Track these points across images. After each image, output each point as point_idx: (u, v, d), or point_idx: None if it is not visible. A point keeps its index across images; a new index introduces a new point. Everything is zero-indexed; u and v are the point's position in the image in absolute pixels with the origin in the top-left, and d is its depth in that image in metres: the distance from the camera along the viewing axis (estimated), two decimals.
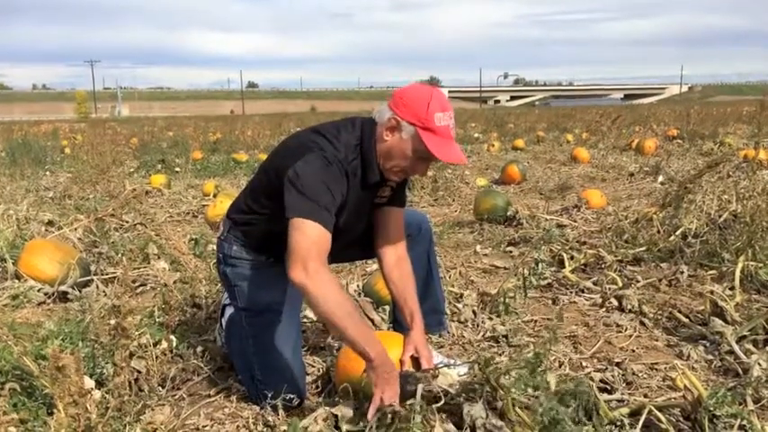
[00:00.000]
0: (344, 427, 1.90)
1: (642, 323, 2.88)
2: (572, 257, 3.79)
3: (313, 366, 2.47)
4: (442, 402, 1.86)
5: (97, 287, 3.47)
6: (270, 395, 2.10)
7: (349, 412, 1.92)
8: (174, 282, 3.36)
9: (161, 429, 2.02)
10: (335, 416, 1.93)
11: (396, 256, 2.30)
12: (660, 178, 7.27)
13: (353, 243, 2.32)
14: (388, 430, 1.79)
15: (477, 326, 2.89)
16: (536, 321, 2.97)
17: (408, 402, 1.87)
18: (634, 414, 1.94)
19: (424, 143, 1.95)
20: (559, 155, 10.76)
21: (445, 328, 2.78)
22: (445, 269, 3.77)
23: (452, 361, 2.36)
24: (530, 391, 1.83)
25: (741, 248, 3.38)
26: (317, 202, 1.91)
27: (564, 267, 3.64)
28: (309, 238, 1.87)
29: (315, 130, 2.15)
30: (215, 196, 6.56)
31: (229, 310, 2.50)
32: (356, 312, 1.97)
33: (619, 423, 1.93)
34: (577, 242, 4.24)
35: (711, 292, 2.89)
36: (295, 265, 1.85)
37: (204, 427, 2.08)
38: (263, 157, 9.39)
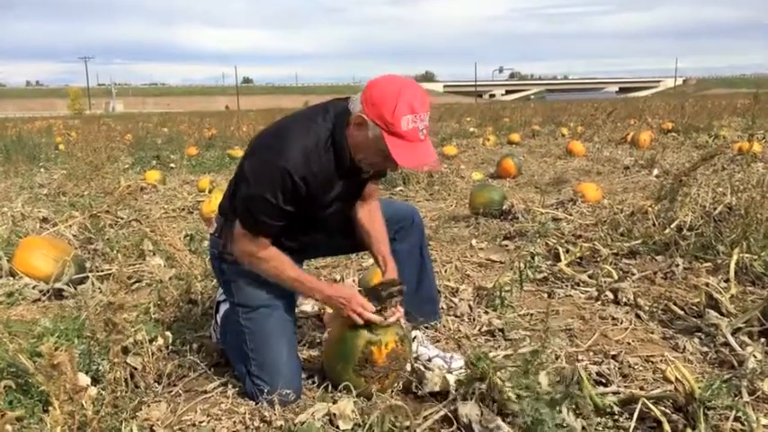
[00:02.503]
0: (342, 425, 1.91)
1: (638, 316, 2.89)
2: (567, 251, 3.80)
3: (309, 362, 2.47)
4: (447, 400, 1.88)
5: (92, 284, 3.46)
6: (266, 391, 2.10)
7: (347, 410, 1.92)
8: (170, 278, 3.35)
9: (157, 425, 2.02)
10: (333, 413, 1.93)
11: (368, 208, 2.36)
12: (655, 171, 7.28)
13: (341, 230, 2.35)
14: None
15: (473, 320, 2.89)
16: (532, 315, 2.98)
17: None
18: (626, 404, 1.95)
19: (388, 148, 1.90)
20: (555, 148, 10.76)
21: (438, 318, 2.78)
22: (441, 263, 3.77)
23: (449, 355, 2.37)
24: (523, 389, 1.84)
25: (736, 241, 3.39)
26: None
27: (559, 261, 3.64)
28: None
29: (278, 134, 2.10)
30: (210, 192, 6.55)
31: (224, 306, 2.49)
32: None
33: (611, 413, 1.93)
34: (573, 235, 4.25)
35: (707, 285, 2.90)
36: None
37: (200, 422, 2.07)
38: None
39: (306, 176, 2.00)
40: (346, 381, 2.11)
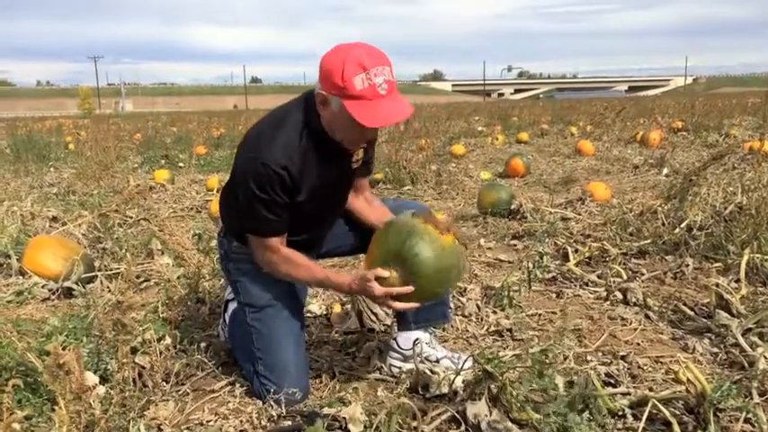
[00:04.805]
0: (353, 429, 1.90)
1: (647, 316, 2.87)
2: (576, 251, 3.78)
3: (317, 361, 2.47)
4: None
5: (101, 283, 3.47)
6: (273, 390, 2.10)
7: (356, 413, 1.91)
8: (178, 277, 3.36)
9: (165, 424, 2.02)
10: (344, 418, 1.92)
11: (362, 197, 2.36)
12: (665, 170, 7.23)
13: (347, 223, 2.37)
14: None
15: (482, 320, 2.88)
16: (540, 315, 2.96)
17: None
18: (636, 406, 1.93)
19: (350, 114, 1.86)
20: (563, 148, 10.72)
21: (449, 320, 2.77)
22: None
23: (457, 355, 2.36)
24: (537, 390, 1.82)
25: (746, 241, 3.37)
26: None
27: (568, 260, 3.63)
28: None
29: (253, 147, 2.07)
30: (218, 191, 6.56)
31: (232, 305, 2.50)
32: None
33: (621, 414, 1.92)
34: (582, 235, 4.23)
35: (717, 285, 2.88)
36: None
37: (208, 422, 2.08)
38: None
39: (287, 167, 1.98)
40: (419, 231, 1.95)
